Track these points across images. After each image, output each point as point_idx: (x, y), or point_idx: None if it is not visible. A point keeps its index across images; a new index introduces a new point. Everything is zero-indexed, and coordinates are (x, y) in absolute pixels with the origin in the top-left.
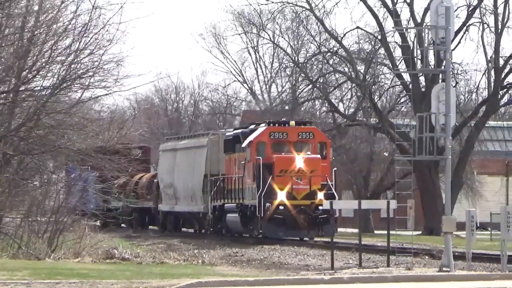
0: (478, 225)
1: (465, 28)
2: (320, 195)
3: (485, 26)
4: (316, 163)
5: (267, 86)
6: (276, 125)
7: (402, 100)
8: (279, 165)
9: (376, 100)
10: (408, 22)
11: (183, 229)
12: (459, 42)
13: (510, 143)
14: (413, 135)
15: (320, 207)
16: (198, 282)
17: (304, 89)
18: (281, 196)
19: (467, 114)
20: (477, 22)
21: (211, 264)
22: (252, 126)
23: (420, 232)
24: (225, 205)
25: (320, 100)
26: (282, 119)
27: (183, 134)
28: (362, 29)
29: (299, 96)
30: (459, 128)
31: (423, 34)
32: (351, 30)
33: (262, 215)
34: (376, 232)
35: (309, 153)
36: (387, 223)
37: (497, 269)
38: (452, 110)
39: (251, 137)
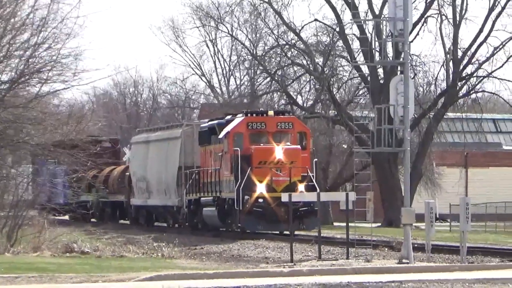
0: (438, 216)
1: (423, 19)
2: (301, 187)
3: (444, 17)
4: (296, 154)
5: (226, 79)
6: (254, 115)
7: (361, 92)
8: (258, 156)
9: (334, 93)
10: (366, 14)
11: (156, 223)
12: (418, 34)
13: (469, 134)
14: (372, 127)
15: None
16: (157, 275)
17: (262, 82)
18: (261, 188)
19: (426, 106)
20: (436, 14)
21: (170, 258)
22: (229, 117)
23: (380, 224)
24: (201, 198)
25: (278, 93)
26: (260, 109)
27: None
28: (320, 21)
29: (258, 89)
30: (418, 120)
31: (381, 26)
32: (309, 22)
33: (240, 209)
34: (335, 224)
35: (288, 143)
36: (346, 215)
37: (457, 260)
38: (411, 102)
39: (228, 128)
